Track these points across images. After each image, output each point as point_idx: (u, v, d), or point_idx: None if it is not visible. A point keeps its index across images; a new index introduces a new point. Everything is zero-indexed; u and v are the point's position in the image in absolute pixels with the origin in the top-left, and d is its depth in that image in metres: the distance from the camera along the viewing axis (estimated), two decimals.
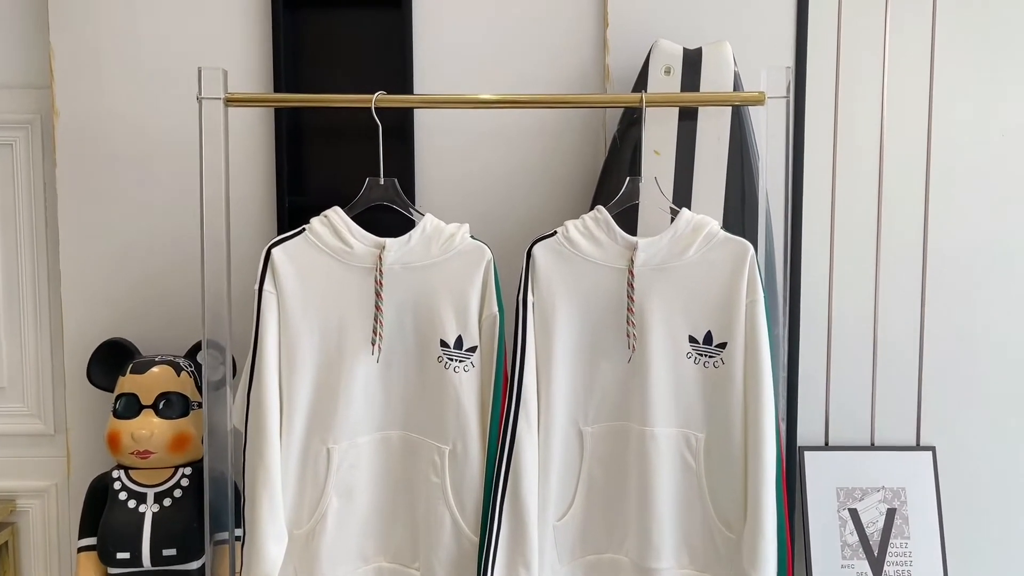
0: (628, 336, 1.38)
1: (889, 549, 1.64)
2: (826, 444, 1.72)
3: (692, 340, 1.39)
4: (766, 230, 1.41)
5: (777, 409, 1.38)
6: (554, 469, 1.40)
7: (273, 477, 1.34)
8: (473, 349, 1.39)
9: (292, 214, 1.63)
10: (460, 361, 1.38)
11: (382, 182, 1.42)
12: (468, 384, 1.38)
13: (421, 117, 1.64)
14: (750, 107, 1.50)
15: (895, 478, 1.67)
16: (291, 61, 1.62)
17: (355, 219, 1.40)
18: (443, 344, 1.38)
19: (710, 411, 1.39)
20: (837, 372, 1.70)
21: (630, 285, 1.37)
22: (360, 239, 1.39)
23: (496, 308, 1.38)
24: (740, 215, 1.51)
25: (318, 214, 1.40)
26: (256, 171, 1.65)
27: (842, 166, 1.67)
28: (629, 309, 1.37)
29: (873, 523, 1.65)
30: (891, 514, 1.66)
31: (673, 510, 1.39)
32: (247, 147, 1.64)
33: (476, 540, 1.37)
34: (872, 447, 1.71)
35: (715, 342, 1.38)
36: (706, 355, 1.39)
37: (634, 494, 1.39)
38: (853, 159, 1.67)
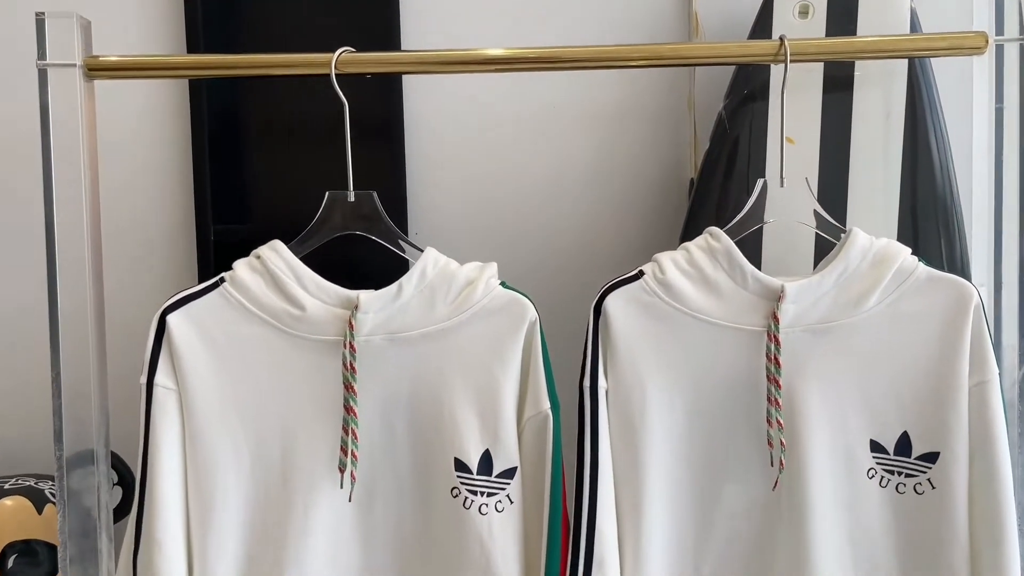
0: (770, 444, 0.82)
1: None
2: None
3: (877, 449, 0.83)
4: (994, 259, 0.86)
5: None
6: None
7: None
8: (511, 473, 0.83)
9: (222, 252, 1.07)
10: (490, 493, 0.82)
11: (352, 198, 0.86)
12: (504, 531, 0.82)
13: (415, 103, 1.08)
14: (933, 60, 0.95)
15: None
16: (214, 18, 1.06)
17: (308, 260, 0.85)
18: (460, 467, 0.82)
19: (910, 567, 0.84)
20: None
21: (774, 360, 0.81)
22: (317, 294, 0.83)
23: (547, 402, 0.83)
24: (911, 230, 0.96)
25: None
26: (166, 187, 1.09)
27: None
28: (773, 400, 0.81)
29: None
30: None
31: None
32: (147, 152, 1.08)
33: None
34: None
35: (916, 452, 0.83)
36: (902, 472, 0.83)
37: None
38: None
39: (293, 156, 1.09)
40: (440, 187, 1.09)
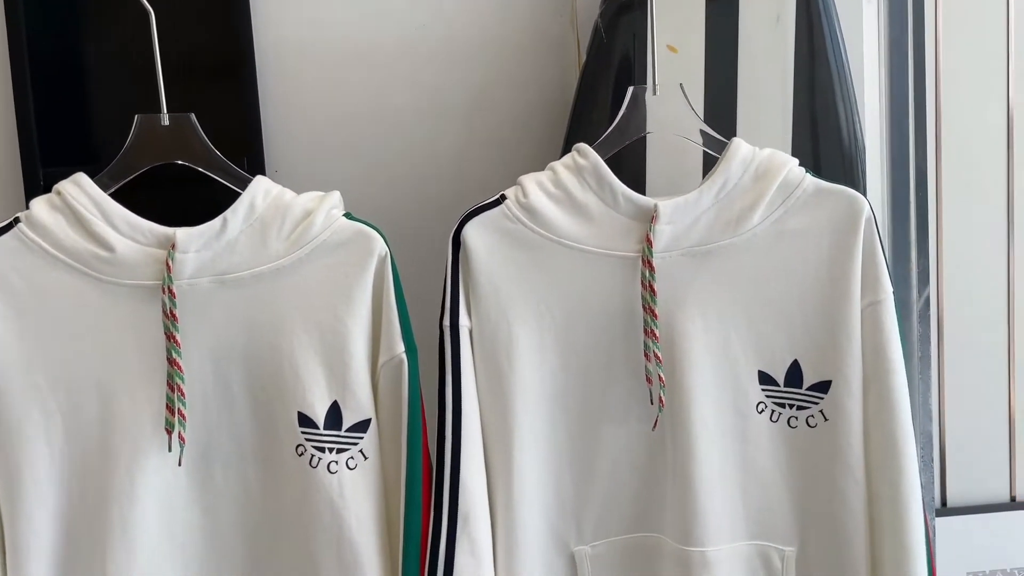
0: (649, 381, 0.74)
1: None
2: (943, 504, 1.12)
3: (766, 380, 0.76)
4: (887, 172, 0.79)
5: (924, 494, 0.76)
6: None
7: None
8: (363, 425, 0.74)
9: None
10: (340, 450, 0.74)
11: (166, 122, 0.75)
12: (356, 490, 0.74)
13: (267, 30, 0.96)
14: None
15: None
16: None
17: (121, 195, 0.74)
18: (305, 421, 0.73)
19: (804, 507, 0.77)
20: (955, 399, 1.09)
21: (649, 287, 0.73)
22: (129, 233, 0.72)
23: (402, 346, 0.74)
24: (811, 146, 0.88)
25: None
26: None
27: (950, 72, 1.05)
28: (649, 332, 0.73)
29: None
30: None
31: None
32: None
33: None
34: (1014, 504, 1.11)
35: (808, 382, 0.76)
36: (793, 404, 0.76)
37: None
38: (972, 59, 1.05)
39: (136, 90, 0.97)
40: (300, 121, 0.99)
